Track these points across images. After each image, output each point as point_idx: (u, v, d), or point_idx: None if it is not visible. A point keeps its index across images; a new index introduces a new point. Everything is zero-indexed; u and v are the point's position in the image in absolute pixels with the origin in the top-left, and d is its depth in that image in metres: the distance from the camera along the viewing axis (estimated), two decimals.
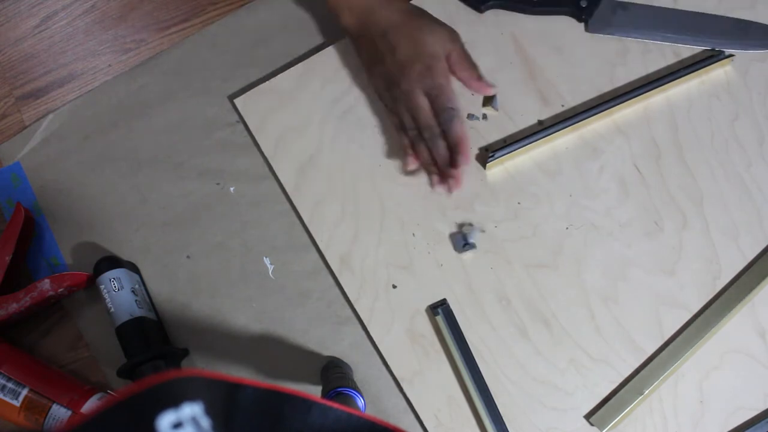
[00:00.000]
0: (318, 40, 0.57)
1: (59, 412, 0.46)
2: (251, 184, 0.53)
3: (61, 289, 0.50)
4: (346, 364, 0.49)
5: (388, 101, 0.50)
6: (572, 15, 0.54)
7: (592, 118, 0.51)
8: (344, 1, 0.50)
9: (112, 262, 0.50)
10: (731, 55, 0.51)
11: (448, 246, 0.50)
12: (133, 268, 0.52)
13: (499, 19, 0.55)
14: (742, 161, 0.50)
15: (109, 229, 0.54)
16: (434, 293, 0.49)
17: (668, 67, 0.52)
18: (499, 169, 0.51)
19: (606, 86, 0.52)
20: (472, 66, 0.50)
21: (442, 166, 0.49)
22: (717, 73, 0.52)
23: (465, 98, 0.53)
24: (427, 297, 0.49)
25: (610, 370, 0.46)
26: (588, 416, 0.46)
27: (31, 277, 0.53)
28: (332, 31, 0.56)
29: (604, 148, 0.51)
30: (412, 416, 0.47)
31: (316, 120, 0.54)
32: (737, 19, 0.52)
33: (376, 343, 0.48)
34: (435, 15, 0.55)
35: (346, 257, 0.50)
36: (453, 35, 0.50)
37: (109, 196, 0.55)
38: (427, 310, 0.49)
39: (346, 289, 0.50)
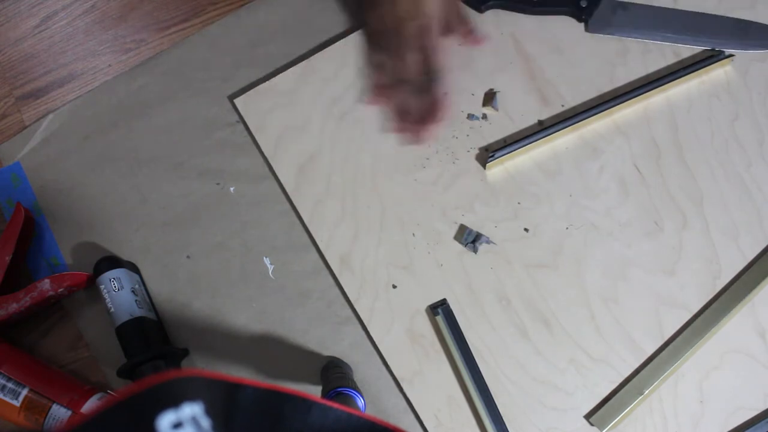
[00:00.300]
0: (318, 40, 0.57)
1: (59, 412, 0.46)
2: (251, 184, 0.53)
3: (61, 289, 0.50)
4: (346, 364, 0.49)
5: (376, 40, 0.50)
6: (572, 15, 0.54)
7: (592, 118, 0.51)
8: None
9: (112, 262, 0.50)
10: (731, 55, 0.51)
11: (448, 246, 0.50)
12: (133, 268, 0.52)
13: (499, 19, 0.55)
14: (742, 161, 0.50)
15: (109, 229, 0.54)
16: (434, 293, 0.49)
17: (668, 67, 0.52)
18: (499, 169, 0.51)
19: (606, 86, 0.52)
20: (467, 21, 0.50)
21: (419, 118, 0.49)
22: (717, 73, 0.52)
23: (465, 98, 0.53)
24: (427, 297, 0.49)
25: (610, 370, 0.46)
26: (588, 416, 0.46)
27: (31, 277, 0.53)
28: (332, 31, 0.56)
29: (604, 148, 0.51)
30: (412, 416, 0.47)
31: (316, 120, 0.54)
32: (737, 19, 0.52)
33: (376, 343, 0.48)
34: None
35: (346, 257, 0.50)
36: None
37: (109, 196, 0.55)
38: (427, 310, 0.49)
39: (346, 289, 0.50)
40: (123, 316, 0.47)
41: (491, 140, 0.52)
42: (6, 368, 0.47)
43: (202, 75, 0.57)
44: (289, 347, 0.50)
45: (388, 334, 0.48)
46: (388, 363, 0.48)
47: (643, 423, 0.45)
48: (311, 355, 0.49)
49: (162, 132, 0.56)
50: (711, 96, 0.51)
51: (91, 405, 0.47)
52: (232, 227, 0.53)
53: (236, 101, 0.55)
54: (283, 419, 0.25)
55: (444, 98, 0.48)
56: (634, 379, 0.46)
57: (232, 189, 0.54)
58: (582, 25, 0.54)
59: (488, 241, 0.49)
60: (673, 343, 0.46)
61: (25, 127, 0.58)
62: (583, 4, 0.53)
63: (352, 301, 0.49)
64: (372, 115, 0.53)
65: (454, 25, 0.50)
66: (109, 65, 0.59)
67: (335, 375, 0.45)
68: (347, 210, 0.51)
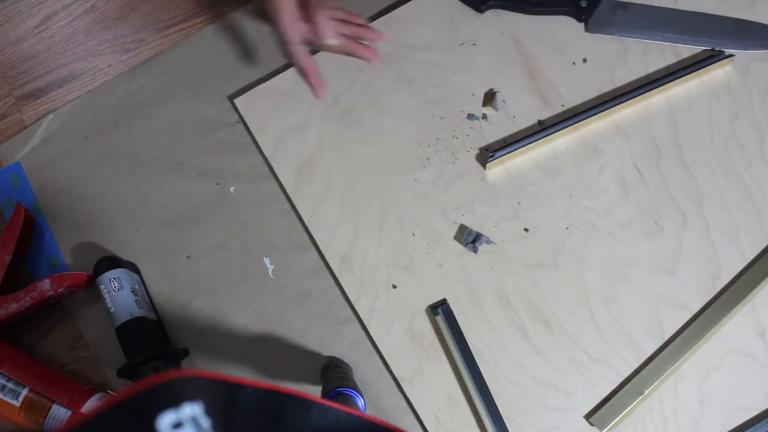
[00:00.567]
0: None
1: (59, 412, 0.46)
2: (251, 184, 0.53)
3: (61, 289, 0.50)
4: (346, 364, 0.49)
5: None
6: (572, 15, 0.54)
7: (592, 118, 0.51)
8: None
9: (112, 262, 0.50)
10: (731, 55, 0.51)
11: (448, 246, 0.50)
12: (133, 268, 0.52)
13: (499, 19, 0.55)
14: (742, 161, 0.50)
15: (109, 229, 0.54)
16: (434, 293, 0.49)
17: (668, 67, 0.52)
18: (499, 169, 0.51)
19: (606, 86, 0.52)
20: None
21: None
22: (717, 73, 0.52)
23: (465, 98, 0.53)
24: (427, 297, 0.49)
25: (610, 370, 0.46)
26: (588, 416, 0.46)
27: (31, 277, 0.53)
28: None
29: (604, 148, 0.51)
30: (412, 416, 0.47)
31: (316, 120, 0.54)
32: (737, 19, 0.52)
33: (376, 343, 0.48)
34: (435, 15, 0.55)
35: (346, 257, 0.50)
36: None
37: (109, 196, 0.55)
38: (427, 310, 0.49)
39: (346, 289, 0.50)
40: (123, 316, 0.47)
41: (491, 140, 0.52)
42: (6, 368, 0.47)
43: (202, 75, 0.57)
44: (289, 347, 0.49)
45: (388, 334, 0.48)
46: (388, 363, 0.48)
47: (643, 423, 0.45)
48: (311, 355, 0.49)
49: (162, 132, 0.56)
50: (711, 96, 0.51)
51: (91, 405, 0.47)
52: (232, 227, 0.53)
53: (236, 101, 0.55)
54: (283, 419, 0.25)
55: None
56: (634, 379, 0.46)
57: (232, 189, 0.54)
58: (582, 25, 0.54)
59: (488, 241, 0.49)
60: (673, 343, 0.46)
61: (25, 127, 0.58)
62: (583, 4, 0.53)
63: (352, 301, 0.49)
64: (372, 115, 0.53)
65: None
66: (109, 65, 0.59)
67: (335, 375, 0.45)
68: (347, 210, 0.51)
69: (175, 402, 0.18)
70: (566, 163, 0.51)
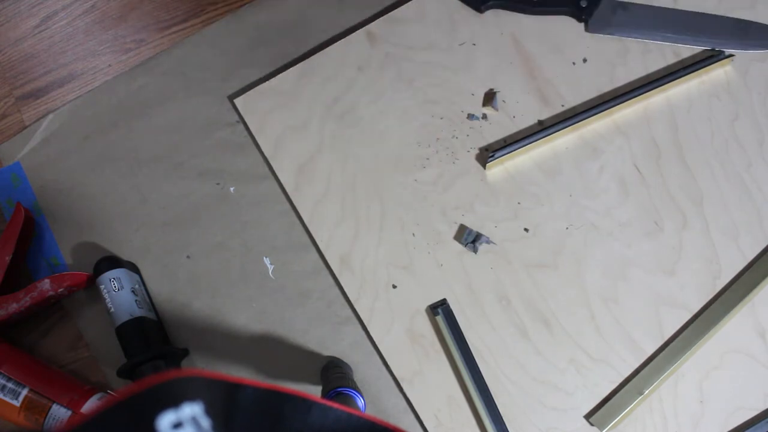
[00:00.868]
0: (318, 40, 0.57)
1: (59, 412, 0.46)
2: (251, 184, 0.53)
3: (61, 289, 0.50)
4: (346, 364, 0.49)
5: None
6: (572, 15, 0.54)
7: (592, 118, 0.51)
8: None
9: (112, 262, 0.50)
10: (731, 55, 0.51)
11: (448, 246, 0.50)
12: (133, 268, 0.52)
13: (499, 19, 0.55)
14: (742, 161, 0.50)
15: (109, 229, 0.54)
16: (434, 293, 0.49)
17: (668, 67, 0.52)
18: (499, 169, 0.51)
19: (606, 86, 0.52)
20: None
21: None
22: (717, 73, 0.52)
23: (465, 98, 0.53)
24: (427, 297, 0.49)
25: (610, 370, 0.46)
26: (588, 416, 0.46)
27: (31, 277, 0.53)
28: (332, 31, 0.56)
29: (604, 148, 0.51)
30: (412, 416, 0.47)
31: (316, 120, 0.54)
32: (737, 19, 0.52)
33: (376, 343, 0.48)
34: (435, 15, 0.55)
35: (346, 257, 0.50)
36: None
37: (109, 196, 0.55)
38: (427, 310, 0.49)
39: (346, 289, 0.50)
40: (123, 316, 0.47)
41: (491, 140, 0.52)
42: (6, 368, 0.47)
43: (202, 75, 0.57)
44: (289, 347, 0.49)
45: (388, 334, 0.48)
46: (388, 363, 0.48)
47: (643, 423, 0.45)
48: (311, 355, 0.49)
49: (162, 132, 0.56)
50: (711, 96, 0.51)
51: (91, 405, 0.47)
52: (232, 227, 0.53)
53: (236, 101, 0.55)
54: (283, 419, 0.25)
55: None
56: (634, 379, 0.46)
57: (232, 189, 0.54)
58: (582, 25, 0.54)
59: (488, 241, 0.49)
60: (673, 343, 0.46)
61: (25, 127, 0.58)
62: (583, 4, 0.53)
63: (352, 301, 0.49)
64: (372, 115, 0.53)
65: None
66: (109, 65, 0.59)
67: (335, 375, 0.45)
68: (347, 210, 0.51)
69: (175, 402, 0.18)
70: (566, 163, 0.51)
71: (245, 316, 0.51)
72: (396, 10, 0.55)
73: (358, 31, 0.55)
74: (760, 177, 0.49)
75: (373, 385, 0.48)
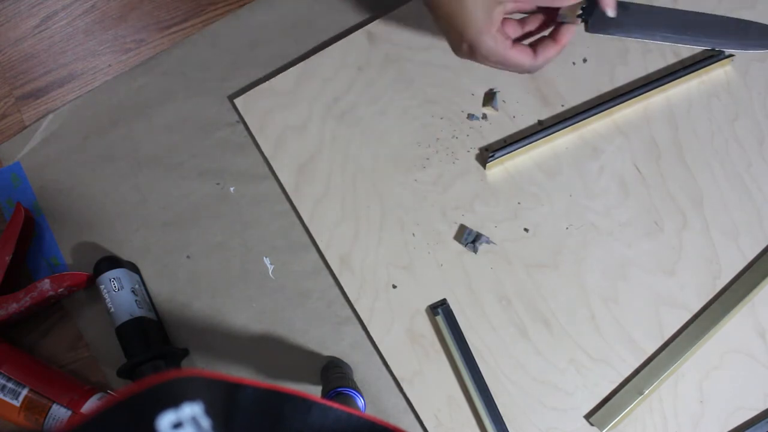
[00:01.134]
0: (318, 40, 0.57)
1: (59, 412, 0.46)
2: (251, 184, 0.53)
3: (61, 289, 0.50)
4: (346, 364, 0.49)
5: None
6: None
7: (592, 118, 0.51)
8: None
9: (112, 262, 0.50)
10: (731, 55, 0.51)
11: (448, 246, 0.50)
12: (133, 268, 0.52)
13: None
14: (742, 161, 0.50)
15: (109, 229, 0.54)
16: (434, 293, 0.49)
17: (668, 67, 0.52)
18: (499, 169, 0.51)
19: (606, 86, 0.52)
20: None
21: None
22: (717, 73, 0.52)
23: (465, 98, 0.53)
24: (427, 297, 0.49)
25: (610, 370, 0.46)
26: (588, 416, 0.46)
27: (31, 277, 0.53)
28: (332, 31, 0.56)
29: (604, 148, 0.51)
30: (412, 416, 0.47)
31: (316, 120, 0.54)
32: (737, 19, 0.52)
33: (376, 343, 0.48)
34: None
35: (346, 257, 0.50)
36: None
37: (109, 196, 0.55)
38: (427, 310, 0.49)
39: (346, 289, 0.50)
40: (123, 316, 0.47)
41: (491, 140, 0.52)
42: (6, 368, 0.47)
43: (202, 75, 0.57)
44: (289, 347, 0.49)
45: (388, 334, 0.48)
46: (388, 363, 0.48)
47: (643, 423, 0.45)
48: (311, 355, 0.49)
49: (162, 132, 0.56)
50: (711, 96, 0.51)
51: (91, 405, 0.47)
52: (232, 227, 0.53)
53: (236, 101, 0.55)
54: (283, 419, 0.25)
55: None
56: (634, 379, 0.46)
57: (232, 189, 0.54)
58: (582, 25, 0.54)
59: (488, 241, 0.49)
60: (673, 343, 0.46)
61: (25, 127, 0.58)
62: (583, 4, 0.53)
63: (352, 301, 0.49)
64: (372, 115, 0.53)
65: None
66: (109, 65, 0.59)
67: (335, 375, 0.45)
68: (347, 210, 0.51)
69: (175, 402, 0.18)
70: (566, 163, 0.51)
71: (245, 316, 0.51)
72: (396, 10, 0.55)
73: (358, 31, 0.55)
74: (760, 177, 0.49)
75: (373, 385, 0.48)
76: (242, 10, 0.58)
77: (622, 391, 0.45)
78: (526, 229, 0.50)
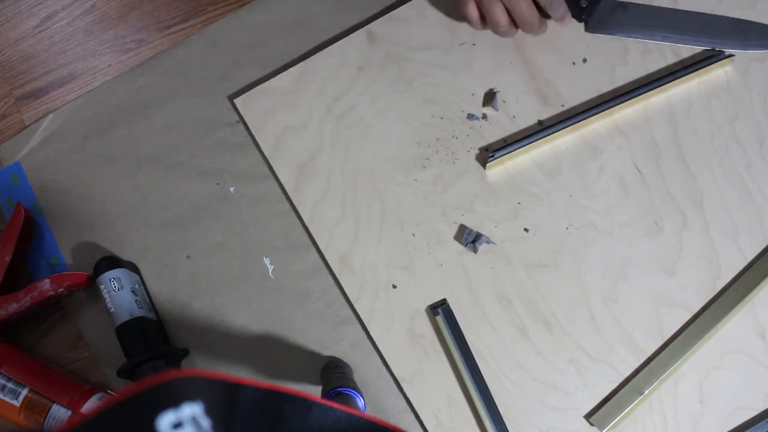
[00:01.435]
0: (318, 40, 0.57)
1: (59, 412, 0.46)
2: (251, 184, 0.53)
3: (61, 289, 0.50)
4: (346, 364, 0.49)
5: None
6: (572, 15, 0.54)
7: (592, 118, 0.51)
8: None
9: (112, 262, 0.50)
10: (731, 55, 0.51)
11: (448, 246, 0.50)
12: (133, 268, 0.52)
13: None
14: (742, 161, 0.50)
15: (109, 229, 0.54)
16: (434, 293, 0.49)
17: (668, 67, 0.52)
18: (499, 169, 0.51)
19: (606, 86, 0.52)
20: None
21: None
22: (717, 73, 0.52)
23: (465, 98, 0.53)
24: (427, 297, 0.49)
25: (610, 370, 0.46)
26: (588, 416, 0.46)
27: (31, 277, 0.53)
28: (332, 31, 0.56)
29: (604, 148, 0.51)
30: (412, 416, 0.47)
31: (316, 120, 0.54)
32: (737, 19, 0.52)
33: (376, 343, 0.48)
34: (435, 15, 0.55)
35: (346, 257, 0.50)
36: None
37: (109, 196, 0.55)
38: (427, 310, 0.49)
39: (346, 289, 0.50)
40: (123, 316, 0.47)
41: (491, 140, 0.52)
42: (6, 368, 0.47)
43: (202, 75, 0.57)
44: (289, 347, 0.50)
45: (388, 334, 0.48)
46: (388, 363, 0.48)
47: (643, 423, 0.45)
48: (311, 355, 0.49)
49: (162, 132, 0.56)
50: (711, 96, 0.51)
51: (91, 405, 0.47)
52: (232, 227, 0.53)
53: (236, 101, 0.55)
54: (283, 419, 0.25)
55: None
56: (634, 379, 0.46)
57: (232, 189, 0.54)
58: (582, 25, 0.54)
59: (488, 241, 0.49)
60: (673, 343, 0.46)
61: (25, 127, 0.58)
62: (583, 4, 0.53)
63: (352, 301, 0.49)
64: (372, 115, 0.53)
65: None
66: (109, 65, 0.59)
67: (335, 375, 0.45)
68: (347, 210, 0.51)
69: (175, 402, 0.18)
70: (566, 163, 0.51)
71: (245, 316, 0.51)
72: (396, 10, 0.55)
73: (358, 31, 0.55)
74: (760, 177, 0.49)
75: (373, 385, 0.48)
76: (242, 10, 0.58)
77: (622, 391, 0.45)
78: (526, 229, 0.50)
